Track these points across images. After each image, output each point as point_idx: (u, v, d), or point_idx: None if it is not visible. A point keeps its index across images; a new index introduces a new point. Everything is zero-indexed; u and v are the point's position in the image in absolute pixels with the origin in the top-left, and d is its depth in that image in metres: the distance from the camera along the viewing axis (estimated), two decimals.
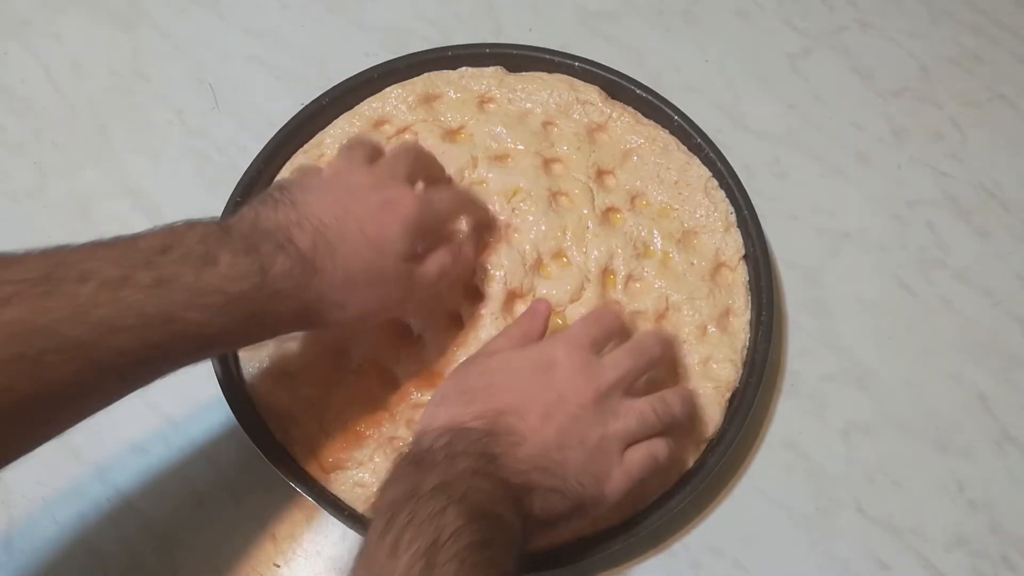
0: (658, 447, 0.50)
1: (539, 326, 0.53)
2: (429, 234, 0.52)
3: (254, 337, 0.47)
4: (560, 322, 0.59)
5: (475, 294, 0.59)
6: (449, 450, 0.44)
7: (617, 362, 0.50)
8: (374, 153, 0.55)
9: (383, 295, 0.50)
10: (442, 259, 0.53)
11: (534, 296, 0.59)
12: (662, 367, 0.55)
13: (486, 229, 0.60)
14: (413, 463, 0.44)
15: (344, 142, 0.60)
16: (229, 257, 0.43)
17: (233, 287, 0.42)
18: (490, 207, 0.60)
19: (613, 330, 0.53)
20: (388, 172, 0.52)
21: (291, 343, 0.58)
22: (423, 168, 0.57)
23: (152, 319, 0.40)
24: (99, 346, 0.39)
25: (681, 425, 0.53)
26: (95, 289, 0.39)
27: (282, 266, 0.44)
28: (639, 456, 0.49)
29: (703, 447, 0.56)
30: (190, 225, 0.44)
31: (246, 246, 0.44)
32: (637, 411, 0.49)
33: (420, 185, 0.55)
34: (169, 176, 0.68)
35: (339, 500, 0.54)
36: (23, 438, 0.40)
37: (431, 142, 0.63)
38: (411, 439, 0.48)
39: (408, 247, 0.50)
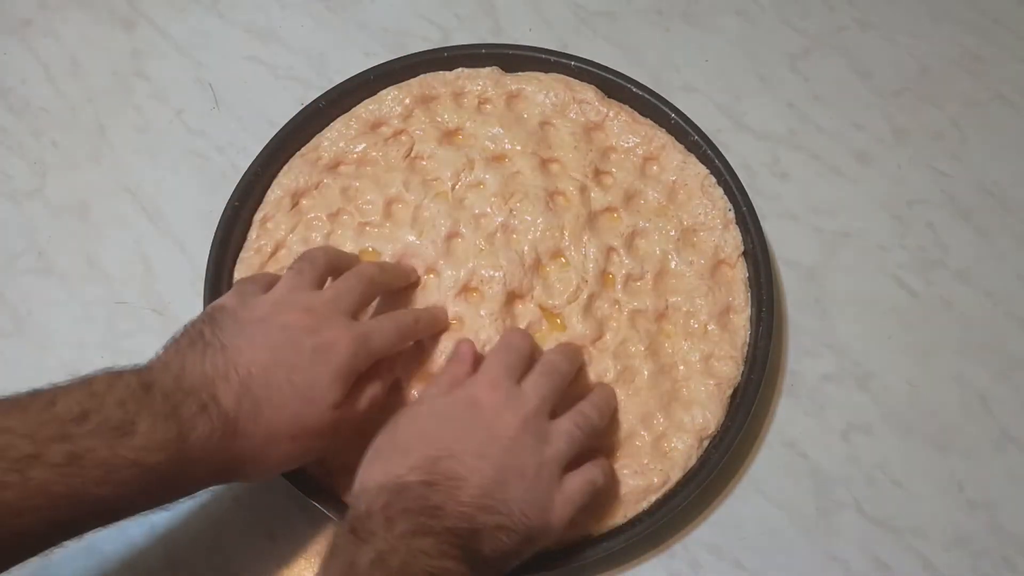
0: (594, 473, 0.51)
1: (466, 368, 0.53)
2: (363, 370, 0.50)
3: (167, 501, 0.45)
4: (559, 321, 0.59)
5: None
6: (387, 511, 0.42)
7: (536, 387, 0.51)
8: (326, 271, 0.53)
9: (306, 447, 0.48)
10: (372, 393, 0.51)
11: (533, 296, 0.59)
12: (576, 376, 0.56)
13: (438, 333, 0.58)
14: (351, 532, 0.42)
15: (300, 255, 0.55)
16: (148, 424, 0.41)
17: (149, 458, 0.41)
18: (440, 314, 0.58)
19: (524, 352, 0.53)
20: (330, 308, 0.50)
21: None
22: (377, 293, 0.56)
23: (60, 499, 0.39)
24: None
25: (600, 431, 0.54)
26: (3, 470, 0.38)
27: (202, 431, 0.43)
28: (577, 483, 0.49)
29: (705, 444, 0.56)
30: (111, 382, 0.42)
31: (167, 409, 0.42)
32: (564, 432, 0.50)
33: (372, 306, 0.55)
34: (169, 176, 0.68)
35: (340, 500, 0.54)
36: None
37: (438, 151, 0.63)
38: (350, 500, 0.47)
39: (338, 394, 0.48)
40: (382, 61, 0.67)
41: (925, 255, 0.65)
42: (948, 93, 0.71)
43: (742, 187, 0.61)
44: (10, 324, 0.63)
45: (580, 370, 0.57)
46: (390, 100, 0.65)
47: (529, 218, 0.60)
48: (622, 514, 0.54)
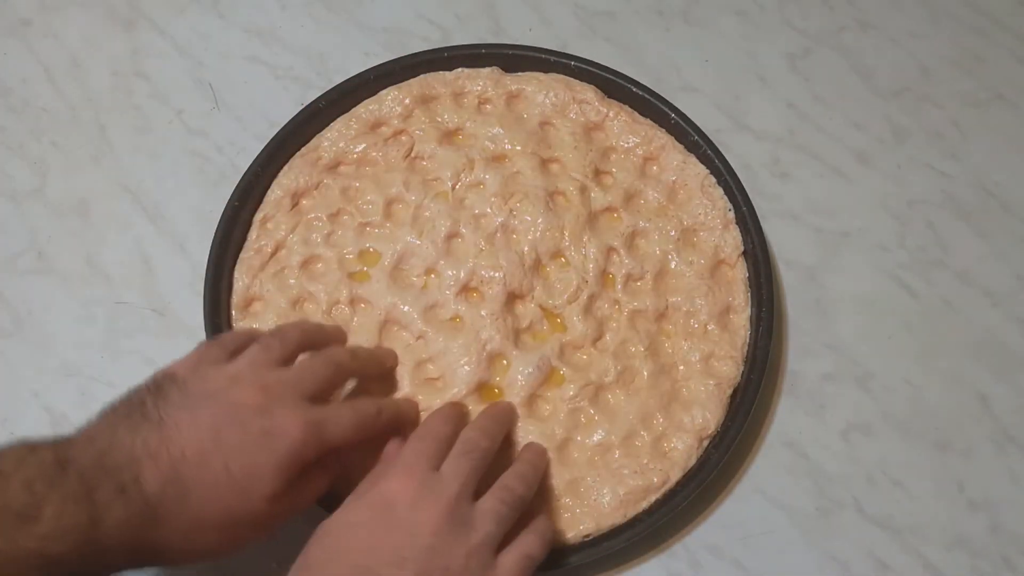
0: (529, 546, 0.47)
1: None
2: (311, 462, 0.47)
3: None
4: (559, 321, 0.59)
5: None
6: None
7: (455, 471, 0.47)
8: (297, 350, 0.51)
9: (235, 537, 0.45)
10: (315, 487, 0.49)
11: (534, 296, 0.59)
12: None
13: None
14: None
15: (274, 328, 0.54)
16: (56, 507, 0.38)
17: (54, 548, 0.38)
18: (408, 408, 0.55)
19: (443, 436, 0.50)
20: (287, 389, 0.47)
21: None
22: (345, 379, 0.53)
23: None
24: None
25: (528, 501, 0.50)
26: None
27: (117, 515, 0.40)
28: (512, 560, 0.46)
29: (705, 444, 0.56)
30: (21, 458, 0.39)
31: (80, 490, 0.39)
32: (490, 513, 0.47)
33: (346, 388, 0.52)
34: (169, 176, 0.68)
35: (341, 500, 0.54)
36: None
37: (438, 151, 0.63)
38: None
39: (277, 486, 0.45)
40: (382, 61, 0.67)
41: (925, 255, 0.65)
42: (948, 93, 0.71)
43: (742, 187, 0.61)
44: (10, 324, 0.63)
45: (509, 435, 0.55)
46: (390, 100, 0.65)
47: (529, 218, 0.60)
48: (622, 514, 0.54)
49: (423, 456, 0.48)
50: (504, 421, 0.54)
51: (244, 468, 0.44)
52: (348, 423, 0.49)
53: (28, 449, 0.40)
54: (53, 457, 0.40)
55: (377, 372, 0.56)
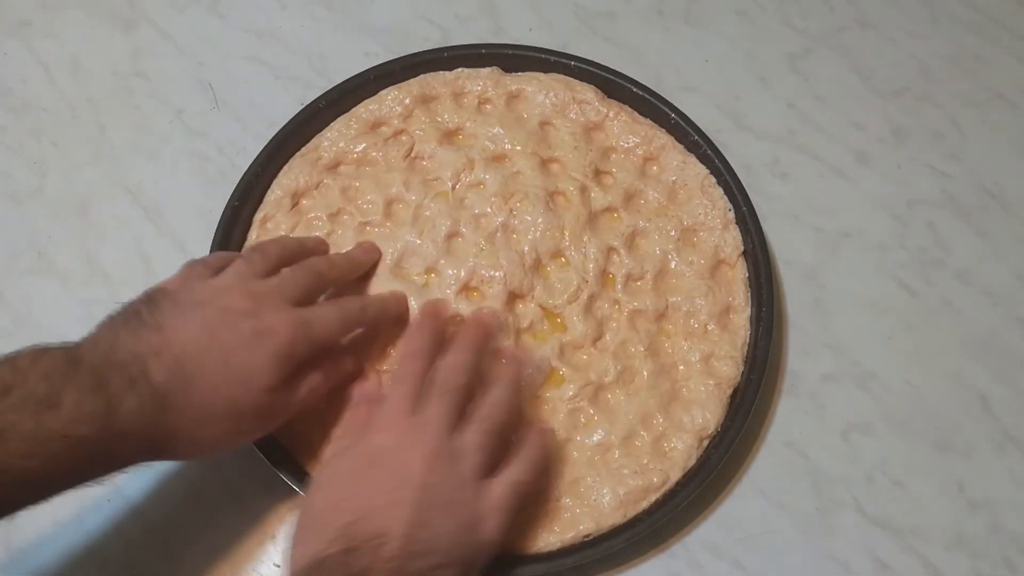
0: (518, 472, 0.49)
1: (368, 409, 0.52)
2: (304, 357, 0.50)
3: (98, 475, 0.44)
4: (559, 321, 0.59)
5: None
6: None
7: (436, 412, 0.49)
8: (278, 263, 0.53)
9: (241, 428, 0.48)
10: (312, 383, 0.51)
11: (534, 296, 0.59)
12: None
13: (394, 324, 0.57)
14: None
15: (254, 244, 0.58)
16: (74, 396, 0.41)
17: (76, 430, 0.41)
18: (393, 301, 0.57)
19: (421, 375, 0.51)
20: (274, 295, 0.50)
21: None
22: (325, 286, 0.55)
23: None
24: None
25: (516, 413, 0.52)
26: None
27: (131, 404, 0.42)
28: (500, 490, 0.48)
29: (705, 444, 0.56)
30: (36, 357, 0.42)
31: (94, 382, 0.42)
32: (473, 442, 0.48)
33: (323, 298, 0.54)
34: (169, 176, 0.68)
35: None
36: None
37: (438, 151, 0.63)
38: None
39: (274, 379, 0.48)
40: (382, 61, 0.67)
41: (925, 255, 0.65)
42: (948, 93, 0.71)
43: (742, 187, 0.61)
44: (10, 324, 0.63)
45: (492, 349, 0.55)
46: (390, 100, 0.65)
47: (529, 218, 0.60)
48: (622, 514, 0.54)
49: (404, 400, 0.50)
50: (480, 344, 0.54)
51: (241, 362, 0.47)
52: (334, 319, 0.52)
53: (40, 351, 0.42)
54: (65, 356, 0.42)
55: (357, 275, 0.58)
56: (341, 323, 0.53)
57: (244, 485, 0.57)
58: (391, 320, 0.57)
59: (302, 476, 0.54)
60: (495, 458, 0.50)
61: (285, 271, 0.53)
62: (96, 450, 0.42)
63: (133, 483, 0.57)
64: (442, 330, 0.55)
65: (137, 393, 0.43)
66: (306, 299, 0.52)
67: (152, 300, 0.47)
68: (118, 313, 0.46)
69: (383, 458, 0.47)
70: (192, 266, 0.52)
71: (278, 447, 0.55)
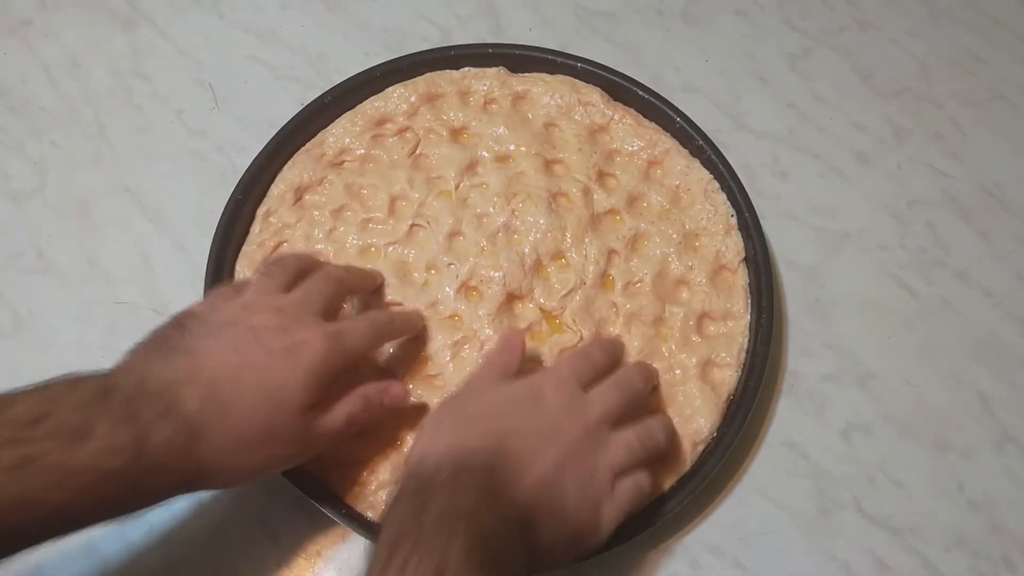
0: (643, 479, 0.50)
1: (517, 359, 0.52)
2: (339, 376, 0.49)
3: (129, 511, 0.43)
4: (559, 323, 0.59)
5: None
6: (455, 483, 0.43)
7: (603, 397, 0.50)
8: (297, 275, 0.53)
9: (276, 454, 0.48)
10: (350, 408, 0.50)
11: (533, 297, 0.59)
12: (647, 396, 0.55)
13: (419, 340, 0.58)
14: (416, 491, 0.43)
15: (264, 262, 0.59)
16: (106, 428, 0.40)
17: (107, 463, 0.40)
18: (416, 316, 0.58)
19: (600, 368, 0.52)
20: (299, 308, 0.50)
21: None
22: (346, 294, 0.55)
23: (12, 503, 0.38)
24: None
25: (663, 452, 0.53)
26: None
27: (163, 435, 0.41)
28: (627, 488, 0.49)
29: (699, 448, 0.56)
30: (70, 385, 0.41)
31: (126, 413, 0.41)
32: (624, 442, 0.49)
33: (346, 308, 0.55)
34: (169, 176, 0.68)
35: (341, 500, 0.54)
36: None
37: (442, 149, 0.63)
38: (410, 465, 0.46)
39: (309, 398, 0.47)
40: (382, 61, 0.67)
41: (925, 255, 0.65)
42: (948, 93, 0.71)
43: (745, 192, 0.61)
44: (10, 324, 0.63)
45: (653, 391, 0.56)
46: (396, 97, 0.65)
47: (531, 219, 0.60)
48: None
49: (577, 373, 0.51)
50: (654, 378, 0.56)
51: (275, 382, 0.46)
52: (365, 331, 0.52)
53: (73, 380, 0.42)
54: (97, 385, 0.42)
55: (370, 287, 0.58)
56: (372, 334, 0.53)
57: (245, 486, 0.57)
58: (414, 335, 0.58)
59: (303, 476, 0.54)
60: (632, 468, 0.50)
61: (307, 283, 0.52)
62: (126, 483, 0.41)
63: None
64: (624, 352, 0.56)
65: (170, 423, 0.42)
66: (331, 309, 0.52)
67: (181, 324, 0.47)
68: (148, 339, 0.46)
69: (545, 404, 0.48)
70: (215, 290, 0.52)
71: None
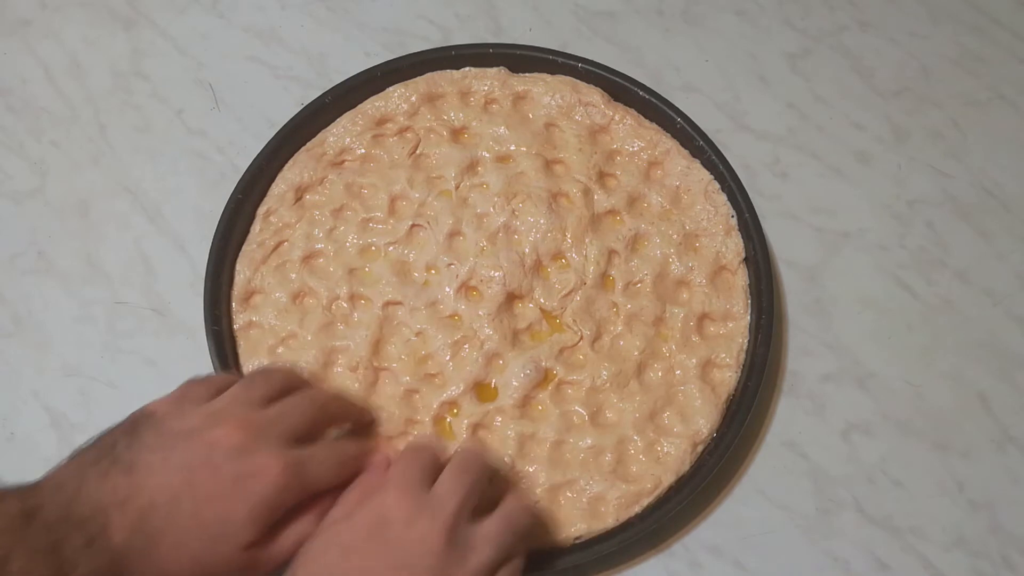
0: (516, 565, 0.46)
1: (378, 477, 0.47)
2: (289, 506, 0.45)
3: None
4: (558, 322, 0.59)
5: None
6: None
7: (451, 489, 0.45)
8: (280, 391, 0.48)
9: None
10: (300, 530, 0.45)
11: (533, 297, 0.59)
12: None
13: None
14: None
15: (251, 371, 0.54)
16: (22, 562, 0.37)
17: None
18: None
19: (433, 452, 0.48)
20: (269, 428, 0.45)
21: (287, 350, 0.58)
22: (327, 423, 0.50)
23: None
24: None
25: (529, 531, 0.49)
26: None
27: (85, 569, 0.39)
28: None
29: (700, 449, 0.56)
30: None
31: (48, 543, 0.38)
32: (491, 537, 0.45)
33: (331, 433, 0.50)
34: (169, 176, 0.68)
35: None
36: None
37: (443, 149, 0.63)
38: None
39: (252, 534, 0.43)
40: (382, 61, 0.67)
41: (925, 255, 0.65)
42: (948, 93, 0.71)
43: (745, 193, 0.61)
44: (10, 324, 0.63)
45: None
46: (396, 97, 0.65)
47: (531, 219, 0.60)
48: (613, 518, 0.54)
49: (418, 470, 0.46)
50: (486, 449, 0.53)
51: (216, 514, 0.42)
52: (330, 465, 0.47)
53: None
54: (20, 508, 0.39)
55: (357, 422, 0.54)
56: (338, 468, 0.47)
57: None
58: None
59: None
60: (504, 560, 0.45)
61: (287, 401, 0.48)
62: None
63: None
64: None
65: (92, 556, 0.39)
66: (307, 435, 0.47)
67: (134, 429, 0.44)
68: (94, 443, 0.43)
69: (389, 530, 0.43)
70: (190, 386, 0.48)
71: None
